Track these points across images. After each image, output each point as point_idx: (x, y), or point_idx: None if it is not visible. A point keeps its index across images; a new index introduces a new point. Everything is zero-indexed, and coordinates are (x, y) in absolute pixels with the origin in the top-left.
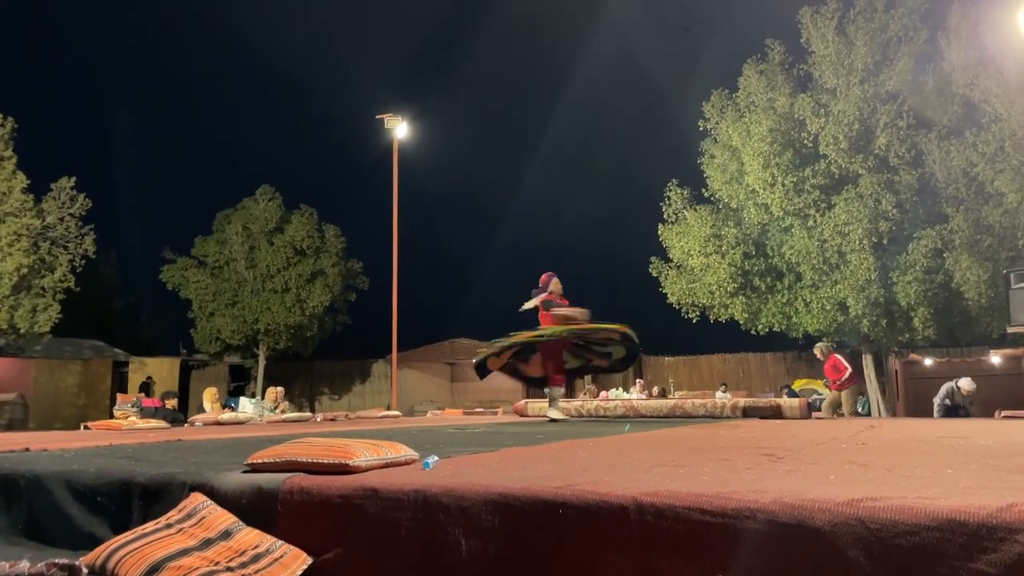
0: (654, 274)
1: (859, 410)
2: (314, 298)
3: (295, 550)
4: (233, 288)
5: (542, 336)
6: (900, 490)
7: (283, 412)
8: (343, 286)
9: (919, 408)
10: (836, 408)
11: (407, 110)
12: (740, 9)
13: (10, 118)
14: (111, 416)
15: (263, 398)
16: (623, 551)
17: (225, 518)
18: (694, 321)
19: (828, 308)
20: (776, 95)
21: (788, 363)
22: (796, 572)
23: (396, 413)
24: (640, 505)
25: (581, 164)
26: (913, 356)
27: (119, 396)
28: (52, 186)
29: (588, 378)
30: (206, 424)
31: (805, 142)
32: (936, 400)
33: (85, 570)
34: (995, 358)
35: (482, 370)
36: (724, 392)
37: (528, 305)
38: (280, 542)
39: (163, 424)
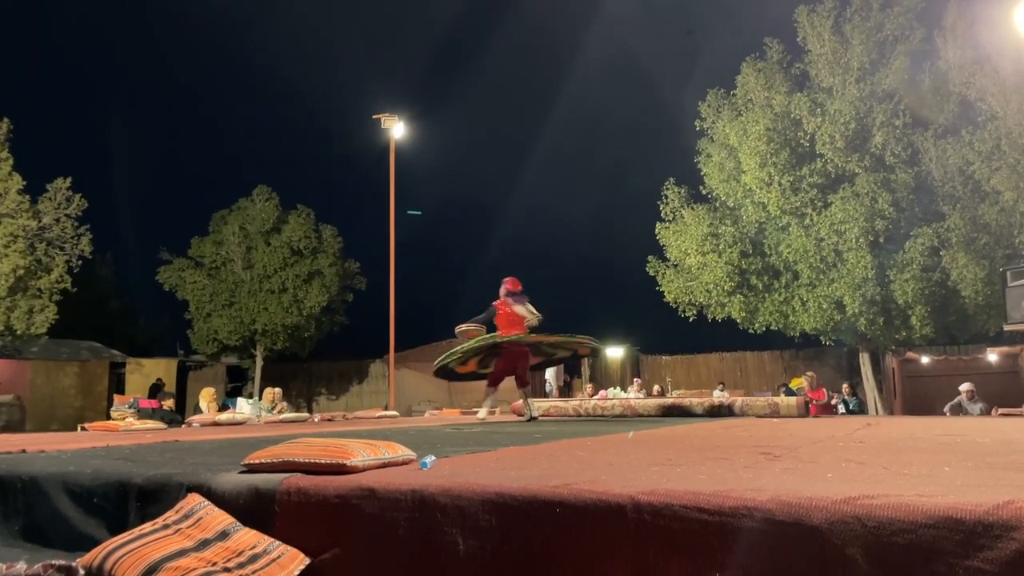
0: (651, 273)
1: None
2: (311, 298)
3: (292, 550)
4: (230, 289)
5: (504, 341)
6: (897, 488)
7: (280, 413)
8: (340, 286)
9: (916, 406)
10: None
11: (404, 110)
12: (738, 9)
13: (5, 119)
14: (108, 417)
15: (260, 399)
16: (621, 550)
17: (222, 519)
18: (691, 320)
19: (825, 307)
20: (773, 94)
21: (785, 362)
22: (794, 570)
23: (394, 413)
24: (638, 504)
25: (578, 164)
26: (910, 354)
27: (116, 397)
28: (48, 187)
29: (587, 376)
30: (203, 425)
31: (802, 141)
32: (946, 410)
33: (82, 571)
34: (992, 356)
35: (447, 374)
36: (722, 391)
37: (525, 314)
38: (277, 542)
39: (160, 425)
